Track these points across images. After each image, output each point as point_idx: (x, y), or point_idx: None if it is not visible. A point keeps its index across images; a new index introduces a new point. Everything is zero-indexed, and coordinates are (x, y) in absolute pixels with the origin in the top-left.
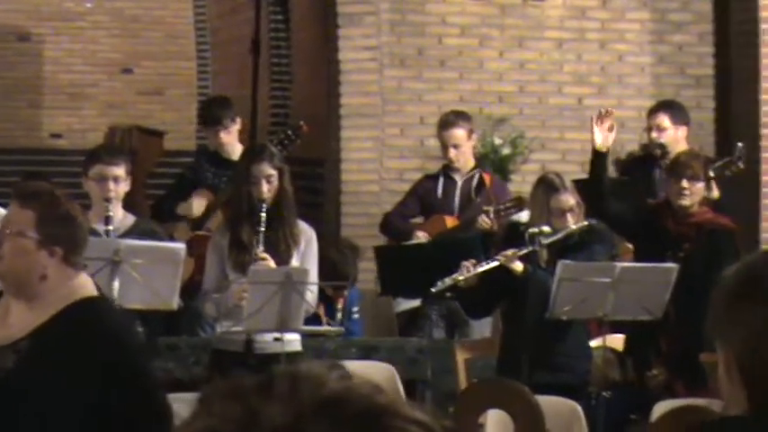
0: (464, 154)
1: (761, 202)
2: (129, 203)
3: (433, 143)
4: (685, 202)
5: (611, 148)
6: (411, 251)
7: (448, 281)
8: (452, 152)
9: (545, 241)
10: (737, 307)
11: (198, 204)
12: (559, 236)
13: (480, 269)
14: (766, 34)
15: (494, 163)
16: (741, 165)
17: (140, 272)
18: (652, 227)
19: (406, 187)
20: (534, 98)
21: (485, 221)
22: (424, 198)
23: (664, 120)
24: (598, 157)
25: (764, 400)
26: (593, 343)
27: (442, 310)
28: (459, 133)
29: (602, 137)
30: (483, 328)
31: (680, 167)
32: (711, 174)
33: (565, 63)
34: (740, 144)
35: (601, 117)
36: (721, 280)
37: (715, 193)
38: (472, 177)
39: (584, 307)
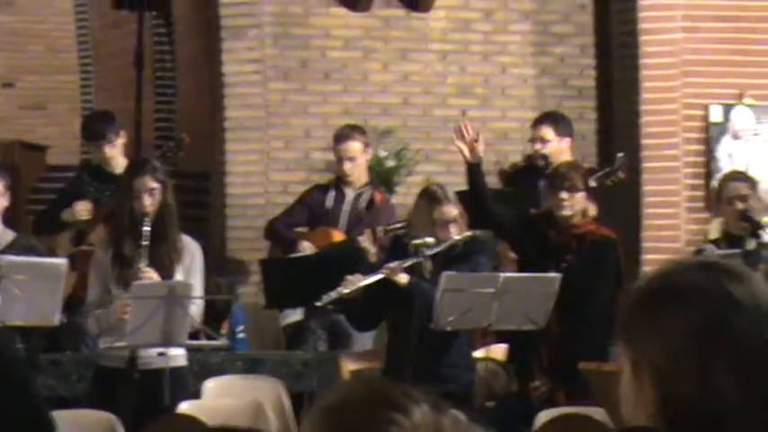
0: (359, 167)
1: (641, 211)
2: (10, 219)
3: (319, 156)
4: (565, 212)
5: (497, 159)
6: (296, 264)
7: (333, 294)
8: (347, 165)
9: (429, 252)
10: (656, 313)
11: (82, 208)
12: (443, 247)
13: (364, 282)
14: (645, 46)
15: (379, 175)
16: (621, 174)
17: (21, 288)
18: (534, 237)
19: (292, 200)
20: (418, 110)
21: (365, 242)
22: (312, 208)
23: (547, 131)
24: (471, 170)
25: (679, 411)
26: (477, 353)
27: (325, 323)
28: (354, 146)
29: (469, 150)
30: (365, 340)
31: (559, 179)
32: (593, 183)
33: (449, 75)
34: (620, 154)
35: (460, 132)
36: (635, 285)
37: (592, 211)
38: (363, 194)
39: (468, 317)
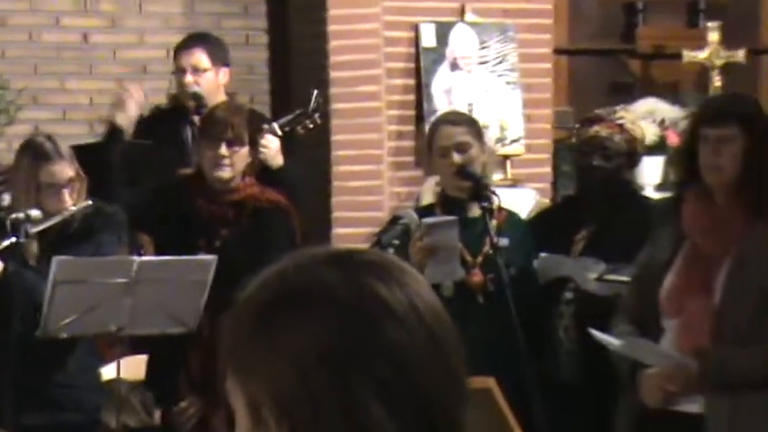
0: None
1: (331, 169)
2: None
3: None
4: (224, 173)
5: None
6: None
7: None
8: None
9: (34, 229)
10: (274, 330)
11: None
12: (53, 221)
13: None
14: None
15: None
16: (318, 118)
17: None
18: (179, 207)
19: None
20: (20, 34)
21: None
22: None
23: (199, 59)
24: (113, 135)
25: None
26: (106, 369)
27: None
28: None
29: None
30: None
31: (215, 128)
32: (279, 131)
33: None
34: (316, 91)
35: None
36: (249, 289)
37: (278, 160)
38: None
39: (90, 319)
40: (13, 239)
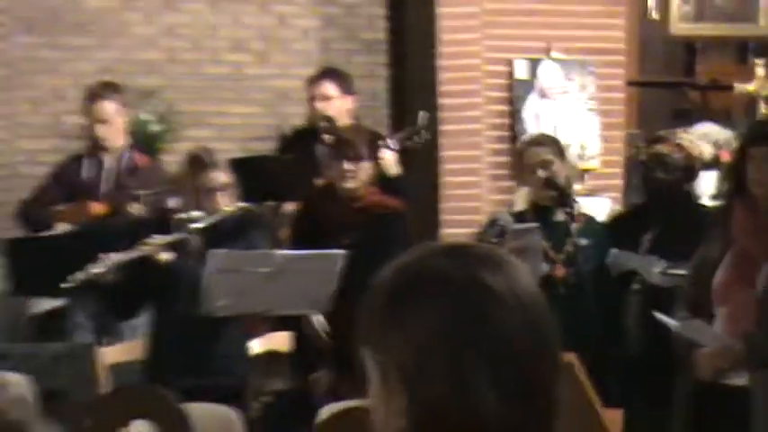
0: (114, 130)
1: (440, 180)
2: None
3: (71, 120)
4: (349, 184)
5: (277, 123)
6: (47, 243)
7: (82, 275)
8: (100, 129)
9: (195, 227)
10: (400, 308)
11: None
12: (211, 220)
13: (120, 260)
14: None
15: (143, 141)
16: (424, 135)
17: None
18: (315, 212)
19: (41, 171)
20: (186, 67)
21: (135, 208)
22: (66, 182)
23: (329, 88)
24: None
25: (431, 420)
26: (254, 342)
27: (91, 311)
28: (108, 107)
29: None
30: (138, 329)
31: (341, 146)
32: (392, 146)
33: (220, 27)
34: (422, 112)
35: None
36: (380, 277)
37: (394, 171)
38: (122, 158)
39: (242, 301)
40: (180, 235)
